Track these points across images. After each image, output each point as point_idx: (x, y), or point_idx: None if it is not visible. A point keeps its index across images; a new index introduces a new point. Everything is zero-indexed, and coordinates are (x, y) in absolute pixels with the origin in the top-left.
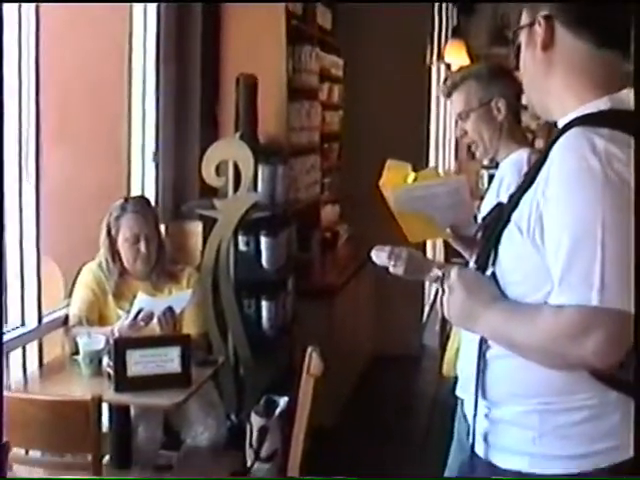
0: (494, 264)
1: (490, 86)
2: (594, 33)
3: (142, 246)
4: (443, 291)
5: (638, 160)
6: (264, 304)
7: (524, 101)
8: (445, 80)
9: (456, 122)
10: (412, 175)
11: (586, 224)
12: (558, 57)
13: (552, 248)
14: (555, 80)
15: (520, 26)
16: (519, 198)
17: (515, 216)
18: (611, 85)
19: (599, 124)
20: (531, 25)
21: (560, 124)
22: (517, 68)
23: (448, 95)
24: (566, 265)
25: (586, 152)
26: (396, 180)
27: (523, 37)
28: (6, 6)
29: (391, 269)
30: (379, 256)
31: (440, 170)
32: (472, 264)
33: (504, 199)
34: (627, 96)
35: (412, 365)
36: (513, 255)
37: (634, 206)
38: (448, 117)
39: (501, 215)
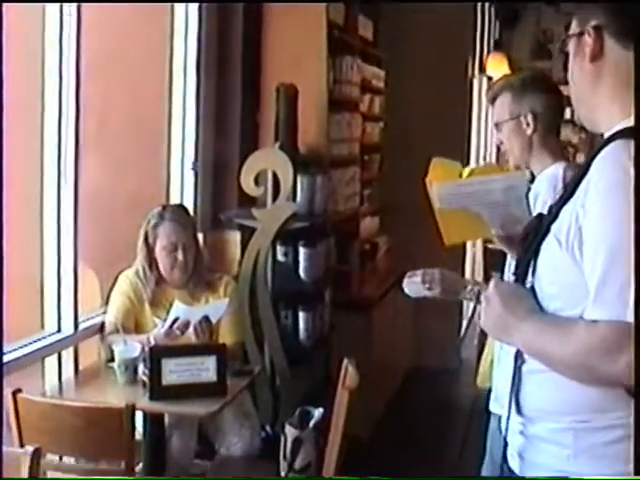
0: (533, 276)
1: (522, 99)
2: None
3: (179, 255)
4: (480, 307)
5: (638, 161)
6: (301, 315)
7: (568, 114)
8: (488, 89)
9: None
10: (467, 170)
11: (623, 238)
12: (607, 68)
13: (589, 261)
14: (603, 92)
15: (569, 35)
16: (559, 209)
17: (554, 228)
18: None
19: None
20: (580, 35)
21: (605, 136)
22: (565, 79)
23: (491, 104)
24: (601, 280)
25: (626, 164)
26: (445, 176)
27: (571, 47)
28: (48, 9)
29: (427, 293)
30: (412, 282)
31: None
32: (511, 275)
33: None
34: None
35: (449, 379)
36: (551, 267)
37: (634, 209)
38: (489, 130)
39: (540, 226)
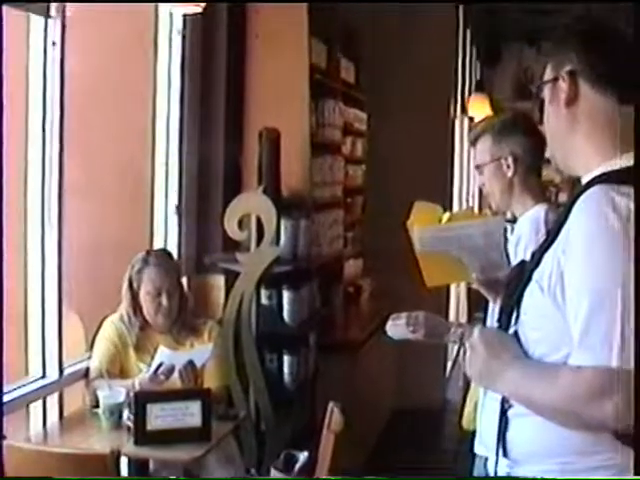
0: (516, 322)
1: (502, 142)
2: (618, 89)
3: (164, 300)
4: (464, 349)
5: (638, 184)
6: (286, 358)
7: (547, 154)
8: (469, 131)
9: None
10: (447, 215)
11: (606, 284)
12: (582, 113)
13: (572, 307)
14: (579, 136)
15: (544, 81)
16: (541, 256)
17: (536, 274)
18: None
19: (620, 182)
20: (555, 80)
21: (584, 181)
22: (541, 122)
23: (473, 146)
24: (585, 325)
25: (606, 210)
26: (426, 220)
27: (547, 92)
28: (32, 48)
29: (410, 336)
30: (396, 325)
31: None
32: (494, 322)
33: (521, 258)
34: None
35: (435, 420)
36: (535, 313)
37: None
38: (471, 171)
39: (523, 273)
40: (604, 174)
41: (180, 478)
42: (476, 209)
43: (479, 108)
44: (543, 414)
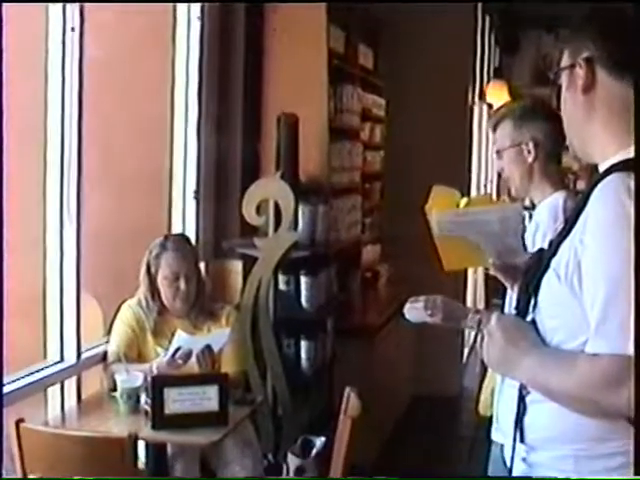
0: (534, 310)
1: (522, 127)
2: (635, 76)
3: (182, 284)
4: (481, 336)
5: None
6: (303, 344)
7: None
8: (488, 117)
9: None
10: (464, 200)
11: (622, 272)
12: (599, 100)
13: (589, 296)
14: (596, 123)
15: (561, 68)
16: (558, 244)
17: (554, 262)
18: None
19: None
20: (572, 67)
21: (601, 168)
22: (558, 109)
23: (493, 131)
24: (602, 313)
25: (623, 198)
26: (444, 204)
27: (564, 79)
28: (51, 38)
29: (428, 319)
30: (414, 308)
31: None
32: (512, 309)
33: (539, 245)
34: None
35: (452, 406)
36: (552, 301)
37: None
38: (490, 157)
39: (541, 261)
40: (621, 162)
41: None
42: (494, 196)
43: (498, 95)
44: (560, 401)
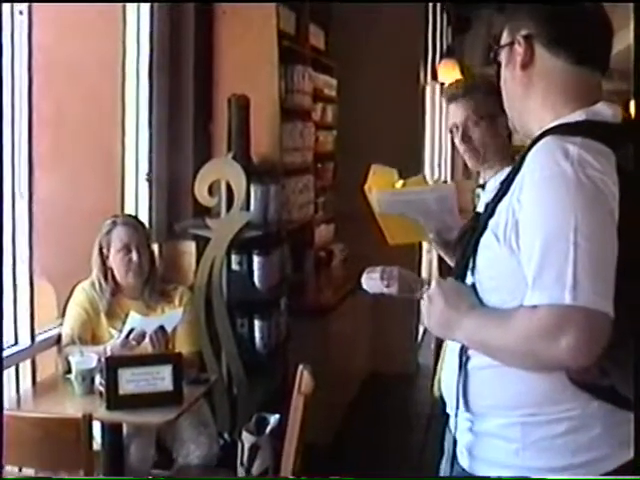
0: (472, 272)
1: (497, 102)
2: (572, 52)
3: (134, 256)
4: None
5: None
6: (257, 323)
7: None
8: (453, 85)
9: (455, 129)
10: (400, 181)
11: (558, 226)
12: (537, 76)
13: (526, 251)
14: (534, 98)
15: (500, 45)
16: (495, 206)
17: (491, 224)
18: (587, 100)
19: (573, 133)
20: (511, 44)
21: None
22: (499, 85)
23: (453, 99)
24: (539, 266)
25: (558, 158)
26: (383, 183)
27: (503, 56)
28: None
29: (384, 290)
30: (371, 278)
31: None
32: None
33: None
34: (602, 109)
35: (407, 383)
36: (490, 262)
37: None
38: (443, 137)
39: (478, 224)
40: (556, 126)
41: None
42: (448, 175)
43: (449, 74)
44: (501, 358)
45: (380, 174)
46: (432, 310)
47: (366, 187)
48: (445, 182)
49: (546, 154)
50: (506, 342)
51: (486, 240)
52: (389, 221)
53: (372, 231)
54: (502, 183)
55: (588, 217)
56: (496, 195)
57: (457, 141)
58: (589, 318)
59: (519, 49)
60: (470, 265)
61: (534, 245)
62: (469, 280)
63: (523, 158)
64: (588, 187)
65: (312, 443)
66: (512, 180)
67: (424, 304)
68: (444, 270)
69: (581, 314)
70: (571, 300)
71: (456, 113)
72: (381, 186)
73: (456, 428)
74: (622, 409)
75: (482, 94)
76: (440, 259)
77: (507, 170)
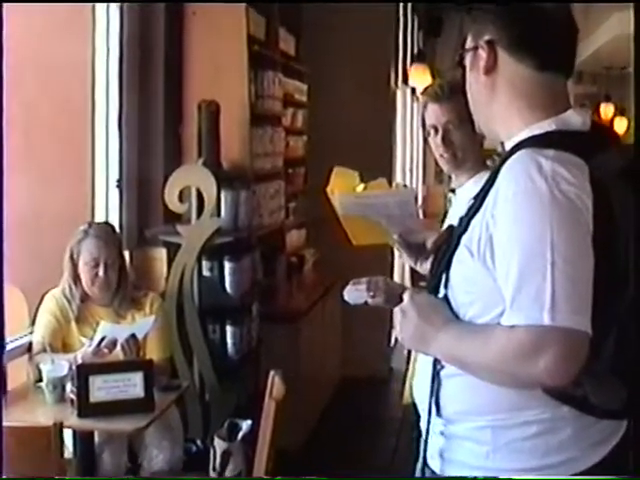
0: (446, 286)
1: (448, 105)
2: (535, 57)
3: (100, 271)
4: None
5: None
6: (229, 329)
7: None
8: (436, 84)
9: (434, 130)
10: (362, 185)
11: (535, 245)
12: (501, 81)
13: (502, 270)
14: (499, 103)
15: (464, 50)
16: (469, 221)
17: (465, 239)
18: (555, 106)
19: (545, 146)
20: (475, 49)
21: (507, 146)
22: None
23: (436, 100)
24: (517, 286)
25: (532, 173)
26: (345, 186)
27: (468, 61)
28: None
29: (370, 301)
30: (356, 290)
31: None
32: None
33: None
34: (571, 117)
35: (379, 388)
36: (464, 277)
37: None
38: (415, 141)
39: (451, 238)
40: (528, 139)
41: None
42: (420, 180)
43: (420, 78)
44: (478, 374)
45: (342, 177)
46: (405, 324)
47: (328, 189)
48: (405, 186)
49: (520, 169)
50: (483, 360)
51: (460, 255)
52: (352, 222)
53: (343, 236)
54: (475, 197)
55: (564, 234)
56: (470, 209)
57: (435, 143)
58: (567, 338)
59: (482, 54)
60: (443, 280)
61: (511, 264)
62: (442, 293)
63: (497, 172)
64: (563, 203)
65: (284, 448)
66: (486, 194)
67: (397, 317)
68: (416, 277)
69: (560, 334)
70: (549, 320)
71: (437, 114)
72: (343, 189)
73: (427, 433)
74: (593, 416)
75: (464, 97)
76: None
77: (480, 175)
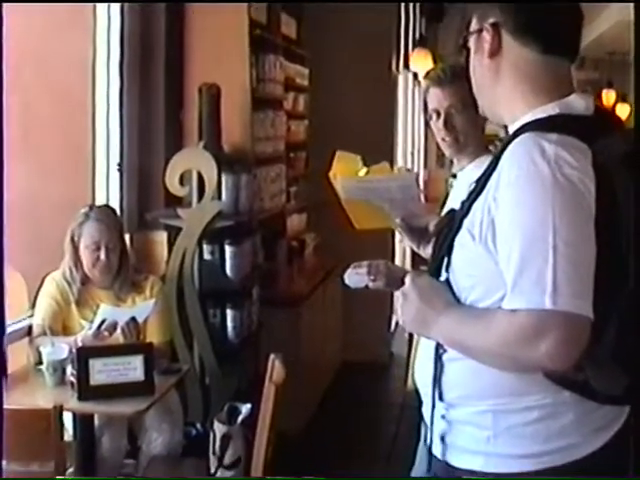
0: (447, 270)
1: (450, 89)
2: (539, 40)
3: (102, 254)
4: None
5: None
6: (229, 313)
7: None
8: (438, 68)
9: (436, 114)
10: (364, 169)
11: (537, 228)
12: (505, 64)
13: (504, 253)
14: (503, 86)
15: (469, 32)
16: (471, 204)
17: (467, 222)
18: (559, 91)
19: (548, 129)
20: (479, 32)
21: (510, 130)
22: (467, 73)
23: (438, 84)
24: (518, 270)
25: (535, 157)
26: (347, 170)
27: (472, 43)
28: None
29: (371, 284)
30: (357, 273)
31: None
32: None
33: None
34: (575, 101)
35: (380, 373)
36: (466, 261)
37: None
38: (416, 125)
39: (453, 221)
40: (531, 122)
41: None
42: (421, 164)
43: (422, 63)
44: (479, 358)
45: (344, 161)
46: (406, 307)
47: (331, 174)
48: (408, 170)
49: (523, 152)
50: (484, 344)
51: (461, 238)
52: (354, 207)
53: (345, 220)
54: (478, 181)
55: (566, 218)
56: (472, 193)
57: (437, 127)
58: (569, 322)
59: (487, 37)
60: (445, 263)
61: (512, 248)
62: (443, 277)
63: (499, 155)
64: (565, 187)
65: (284, 432)
66: (488, 178)
67: (398, 301)
68: (417, 260)
69: (561, 318)
70: (551, 305)
71: (440, 98)
72: (345, 173)
73: (432, 419)
74: (594, 401)
75: (467, 81)
76: (413, 250)
77: (482, 159)
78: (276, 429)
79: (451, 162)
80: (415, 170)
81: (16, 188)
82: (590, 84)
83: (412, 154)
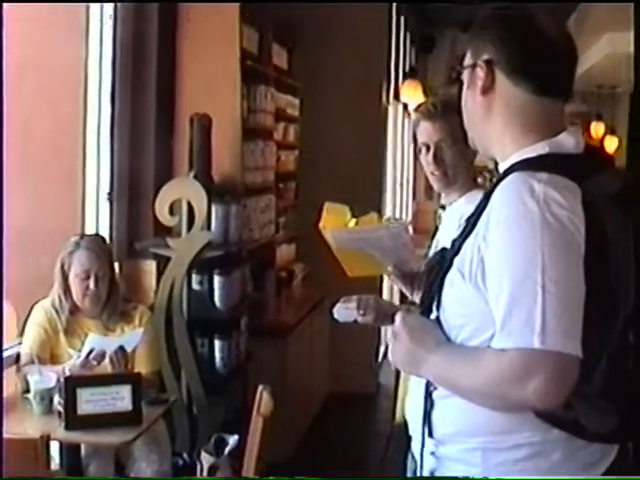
0: (438, 308)
1: (438, 124)
2: (533, 82)
3: (91, 284)
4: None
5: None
6: (217, 343)
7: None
8: (429, 102)
9: (425, 148)
10: (353, 220)
11: (526, 268)
12: (497, 101)
13: (494, 293)
14: (494, 123)
15: (463, 66)
16: (461, 243)
17: (457, 261)
18: (550, 130)
19: (538, 169)
20: (473, 67)
21: (501, 168)
22: (459, 106)
23: (429, 118)
24: (508, 309)
25: (524, 196)
26: (336, 222)
27: (465, 78)
28: None
29: (360, 319)
30: (346, 308)
31: (388, 212)
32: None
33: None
34: (565, 140)
35: (367, 403)
36: (456, 299)
37: None
38: (405, 156)
39: (444, 260)
40: (521, 161)
41: None
42: (410, 196)
43: (412, 94)
44: (469, 397)
45: (333, 212)
46: (397, 346)
47: (320, 225)
48: (397, 220)
49: (512, 192)
50: (474, 383)
51: (452, 277)
52: (346, 256)
53: (333, 252)
54: (468, 220)
55: (555, 257)
56: (463, 232)
57: (426, 160)
58: (557, 362)
59: (480, 73)
60: (435, 301)
61: (502, 287)
62: (433, 315)
63: (489, 195)
64: (555, 226)
65: (272, 463)
66: (479, 217)
67: (389, 340)
68: (405, 295)
69: (550, 358)
70: (539, 344)
71: (430, 132)
72: (334, 224)
73: (422, 455)
74: (583, 439)
75: (458, 115)
76: None
77: (472, 194)
78: (263, 460)
79: (439, 194)
80: (404, 201)
81: (8, 214)
82: (579, 117)
83: (401, 185)
